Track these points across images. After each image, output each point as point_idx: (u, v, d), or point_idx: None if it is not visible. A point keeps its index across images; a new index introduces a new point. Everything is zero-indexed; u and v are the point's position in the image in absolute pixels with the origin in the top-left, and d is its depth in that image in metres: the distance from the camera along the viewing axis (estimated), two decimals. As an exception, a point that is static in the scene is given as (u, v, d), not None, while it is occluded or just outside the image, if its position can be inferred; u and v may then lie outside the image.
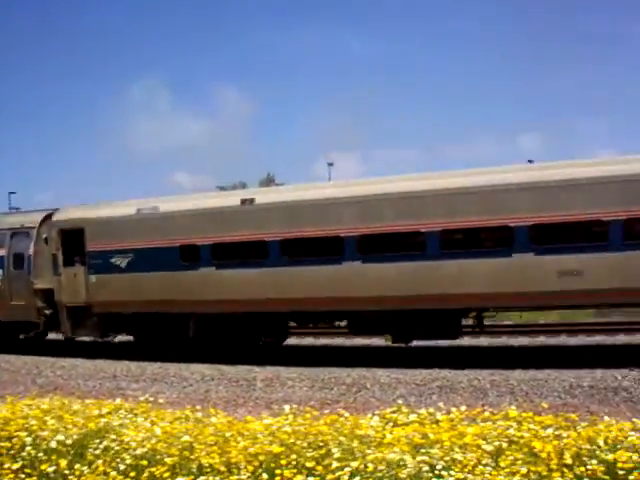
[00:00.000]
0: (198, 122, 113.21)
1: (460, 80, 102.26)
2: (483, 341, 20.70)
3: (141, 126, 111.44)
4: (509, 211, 16.78)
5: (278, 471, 6.55)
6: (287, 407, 9.35)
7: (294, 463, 6.74)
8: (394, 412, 8.73)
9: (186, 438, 7.54)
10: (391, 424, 8.26)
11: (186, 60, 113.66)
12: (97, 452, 7.51)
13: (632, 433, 7.00)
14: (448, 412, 8.40)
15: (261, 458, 6.86)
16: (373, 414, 8.85)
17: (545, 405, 10.59)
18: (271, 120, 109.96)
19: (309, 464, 6.67)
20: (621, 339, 20.80)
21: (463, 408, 8.65)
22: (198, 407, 10.01)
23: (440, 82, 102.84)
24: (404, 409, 8.78)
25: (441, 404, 10.20)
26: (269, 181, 63.36)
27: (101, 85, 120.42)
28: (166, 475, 6.70)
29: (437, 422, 8.07)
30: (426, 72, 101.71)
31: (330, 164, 58.02)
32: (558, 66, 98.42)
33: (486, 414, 8.29)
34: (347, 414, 8.91)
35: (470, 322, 19.30)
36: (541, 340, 21.77)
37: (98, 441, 7.77)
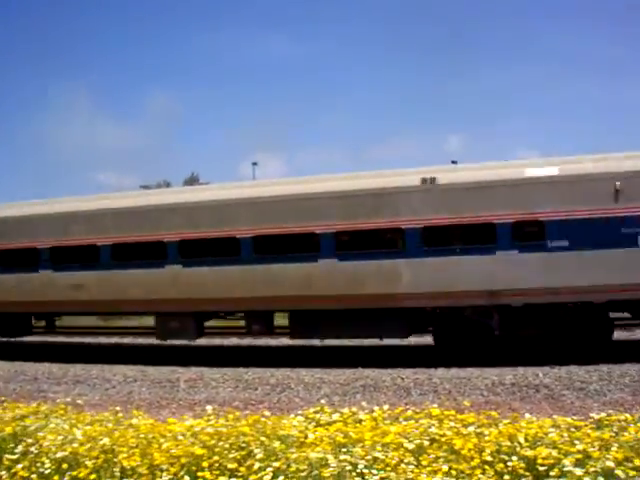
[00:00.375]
0: (123, 124, 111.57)
1: (387, 81, 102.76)
2: (411, 340, 20.80)
3: (65, 128, 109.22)
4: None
5: (200, 473, 6.45)
6: (209, 408, 9.24)
7: (216, 465, 6.64)
8: (317, 412, 8.69)
9: (107, 441, 7.37)
10: (314, 424, 8.21)
11: (110, 62, 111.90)
12: (15, 457, 7.28)
13: (552, 430, 7.07)
14: (371, 411, 8.39)
15: (183, 460, 6.74)
16: (296, 414, 8.80)
17: (467, 403, 10.68)
18: (198, 121, 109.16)
19: (231, 465, 6.58)
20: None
21: (386, 407, 8.65)
22: (120, 409, 9.81)
23: (367, 83, 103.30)
24: (327, 409, 8.75)
25: (364, 403, 10.21)
26: (193, 180, 63.11)
27: (24, 86, 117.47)
28: (92, 477, 6.53)
29: (360, 421, 8.06)
30: (353, 73, 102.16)
31: (254, 164, 57.76)
32: (480, 68, 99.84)
33: (409, 413, 8.30)
34: (270, 414, 8.85)
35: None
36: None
37: (13, 445, 7.55)
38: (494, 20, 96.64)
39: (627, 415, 8.01)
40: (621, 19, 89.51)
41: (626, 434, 6.84)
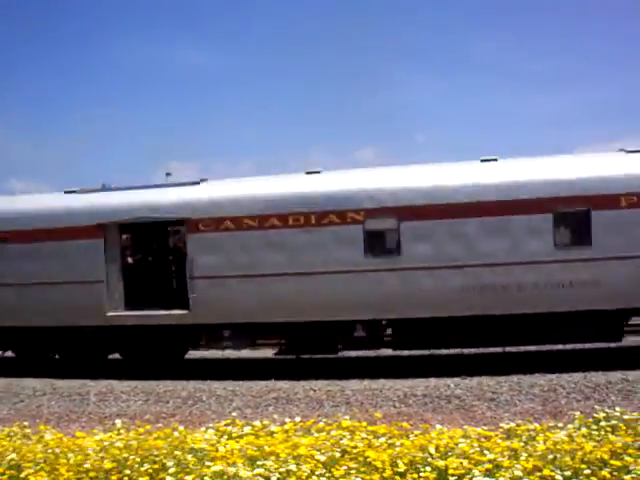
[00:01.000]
0: (42, 129, 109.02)
1: (306, 94, 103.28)
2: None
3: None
4: None
5: (109, 488, 6.31)
6: (119, 422, 9.07)
7: (126, 479, 6.51)
8: (228, 425, 8.61)
9: (14, 456, 7.15)
10: (226, 437, 8.13)
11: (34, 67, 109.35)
12: None
13: (462, 440, 7.14)
14: (283, 423, 8.34)
15: (92, 475, 6.60)
16: (207, 427, 8.69)
17: (379, 415, 10.69)
18: (115, 127, 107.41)
19: (142, 479, 6.44)
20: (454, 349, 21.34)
21: (298, 419, 8.61)
22: (29, 423, 9.55)
23: (287, 97, 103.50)
24: (238, 421, 8.68)
25: (276, 416, 10.15)
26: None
27: None
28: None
29: (272, 434, 7.99)
30: (274, 85, 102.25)
31: (168, 174, 57.00)
32: (400, 80, 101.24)
33: (320, 424, 8.28)
34: (182, 427, 8.73)
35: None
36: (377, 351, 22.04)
37: None
38: (410, 32, 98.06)
39: (536, 425, 8.15)
40: (542, 34, 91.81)
41: (535, 443, 6.94)
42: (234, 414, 12.19)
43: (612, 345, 18.52)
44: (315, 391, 15.23)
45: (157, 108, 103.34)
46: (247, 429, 8.34)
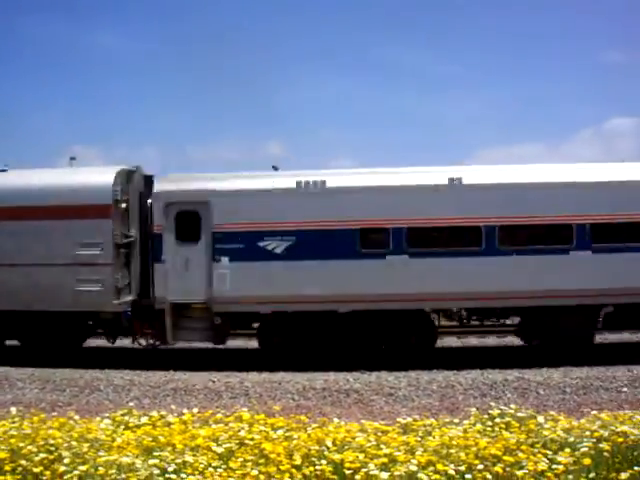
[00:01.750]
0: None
1: (206, 81, 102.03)
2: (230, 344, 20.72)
3: None
4: None
5: (2, 477, 6.13)
6: (14, 409, 8.86)
7: (20, 469, 6.34)
8: (125, 414, 8.48)
9: None
10: (122, 427, 8.01)
11: None
12: None
13: (359, 434, 7.20)
14: (180, 414, 8.27)
15: (-18, 464, 6.40)
16: (104, 417, 8.56)
17: (277, 407, 10.69)
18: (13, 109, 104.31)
19: (37, 469, 6.29)
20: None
21: (195, 410, 8.55)
22: None
23: (191, 87, 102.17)
24: (135, 412, 8.56)
25: (174, 406, 10.06)
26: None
27: None
28: None
29: (169, 424, 7.92)
30: (177, 73, 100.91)
31: (72, 158, 55.69)
32: (304, 77, 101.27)
33: (218, 416, 8.24)
34: (78, 417, 8.57)
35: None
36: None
37: None
38: (313, 31, 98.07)
39: (432, 420, 8.28)
40: (452, 38, 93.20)
41: (431, 439, 7.04)
42: (131, 404, 12.02)
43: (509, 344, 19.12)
44: (214, 382, 15.16)
45: (67, 89, 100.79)
46: (144, 419, 8.23)
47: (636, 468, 6.08)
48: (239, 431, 7.32)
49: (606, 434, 7.05)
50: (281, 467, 6.13)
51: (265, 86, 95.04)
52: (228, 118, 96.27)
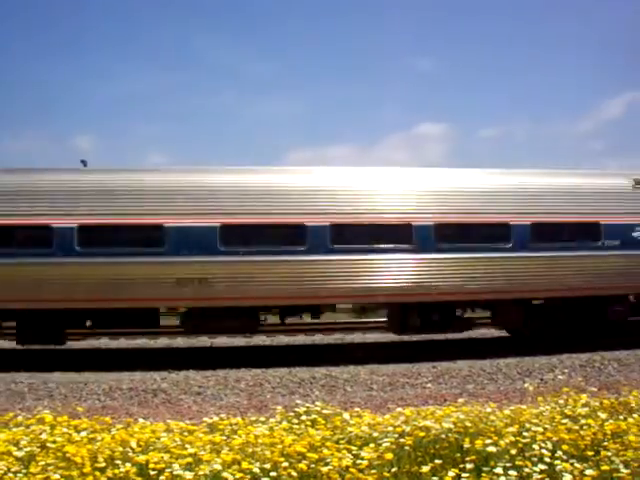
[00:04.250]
0: None
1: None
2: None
3: None
4: None
5: None
6: None
7: None
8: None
9: None
10: None
11: None
12: None
13: (165, 434, 7.17)
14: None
15: None
16: None
17: (81, 409, 10.41)
18: None
19: None
20: (162, 342, 21.35)
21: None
22: None
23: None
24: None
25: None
26: None
27: None
28: None
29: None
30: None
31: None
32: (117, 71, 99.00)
33: (19, 419, 7.97)
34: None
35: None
36: (83, 343, 21.52)
37: None
38: (127, 24, 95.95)
39: (239, 419, 8.36)
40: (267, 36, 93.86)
41: (236, 437, 7.10)
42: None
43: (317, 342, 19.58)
44: (17, 384, 14.58)
45: None
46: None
47: (437, 461, 6.34)
48: (41, 434, 7.11)
49: (408, 429, 7.30)
50: (84, 470, 6.01)
51: (74, 79, 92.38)
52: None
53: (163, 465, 6.05)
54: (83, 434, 7.10)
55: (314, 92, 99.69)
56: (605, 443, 6.84)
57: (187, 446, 6.61)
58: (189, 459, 6.20)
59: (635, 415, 7.96)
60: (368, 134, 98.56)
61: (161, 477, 5.86)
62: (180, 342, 21.35)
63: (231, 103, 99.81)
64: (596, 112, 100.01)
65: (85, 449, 6.44)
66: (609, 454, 6.40)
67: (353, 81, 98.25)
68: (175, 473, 5.85)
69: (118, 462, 6.21)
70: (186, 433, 7.37)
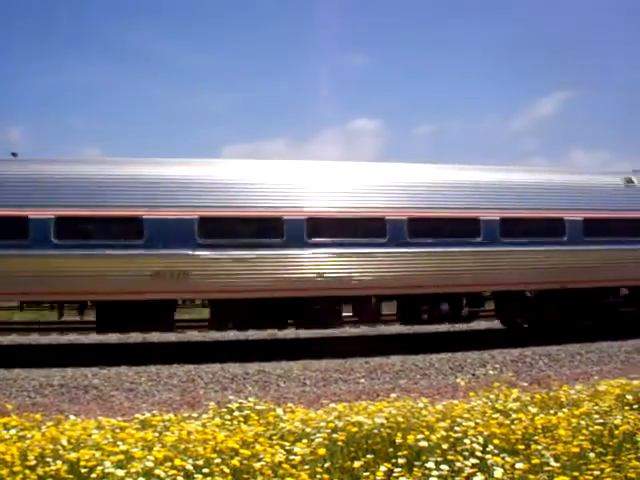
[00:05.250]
0: None
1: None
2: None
3: None
4: None
5: None
6: None
7: None
8: None
9: None
10: None
11: None
12: None
13: (96, 431, 7.10)
14: None
15: None
16: None
17: (10, 406, 10.23)
18: None
19: None
20: (94, 338, 21.04)
21: None
22: None
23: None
24: None
25: None
26: None
27: None
28: None
29: None
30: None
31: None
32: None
33: (-54, 417, 7.80)
34: None
35: None
36: (12, 338, 21.20)
37: None
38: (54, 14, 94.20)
39: (171, 415, 8.31)
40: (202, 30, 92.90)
41: (169, 434, 7.07)
42: None
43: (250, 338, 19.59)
44: (-58, 382, 14.28)
45: None
46: None
47: (369, 456, 6.39)
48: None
49: (341, 424, 7.33)
50: (14, 469, 5.92)
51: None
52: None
53: (94, 463, 5.98)
54: (13, 432, 6.98)
55: (249, 87, 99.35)
56: (536, 437, 6.97)
57: (119, 443, 6.54)
58: (121, 456, 6.14)
59: (565, 409, 8.12)
60: (303, 129, 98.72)
61: (92, 475, 5.79)
62: (113, 338, 21.12)
63: (166, 96, 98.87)
64: (529, 110, 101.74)
65: (15, 447, 6.33)
66: (539, 448, 6.52)
67: (288, 77, 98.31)
68: (107, 471, 5.78)
69: (49, 460, 6.12)
70: (118, 430, 7.29)
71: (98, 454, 6.19)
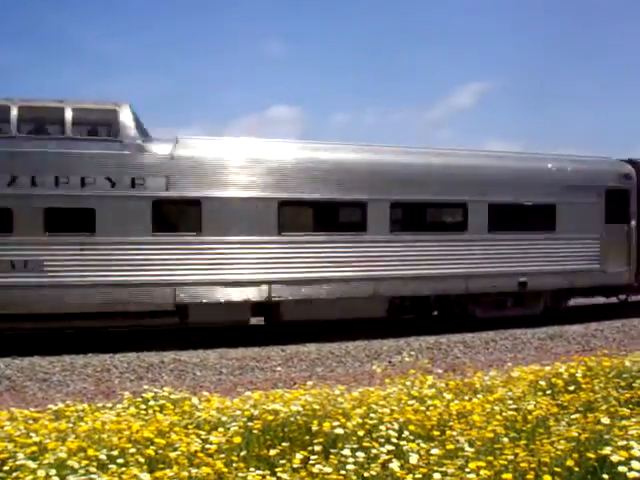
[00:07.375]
0: None
1: None
2: None
3: None
4: None
5: None
6: None
7: None
8: None
9: None
10: None
11: None
12: None
13: (8, 423, 7.01)
14: None
15: None
16: None
17: None
18: None
19: None
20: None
21: None
22: None
23: None
24: None
25: None
26: None
27: None
28: None
29: None
30: None
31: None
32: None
33: None
34: None
35: None
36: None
37: None
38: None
39: (85, 405, 8.24)
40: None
41: (83, 424, 7.01)
42: None
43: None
44: None
45: None
46: None
47: (285, 444, 6.44)
48: None
49: (257, 413, 7.34)
50: None
51: None
52: None
53: (7, 455, 5.91)
54: None
55: (165, 72, 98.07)
56: (451, 423, 7.14)
57: (32, 434, 6.48)
58: (34, 448, 6.08)
59: (479, 395, 8.33)
60: (220, 116, 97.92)
61: (5, 467, 5.73)
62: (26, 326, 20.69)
63: (76, 81, 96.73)
64: (444, 101, 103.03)
65: None
66: (454, 434, 6.68)
67: (205, 63, 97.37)
68: (19, 462, 5.72)
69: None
70: (31, 421, 7.21)
71: (11, 446, 6.12)
